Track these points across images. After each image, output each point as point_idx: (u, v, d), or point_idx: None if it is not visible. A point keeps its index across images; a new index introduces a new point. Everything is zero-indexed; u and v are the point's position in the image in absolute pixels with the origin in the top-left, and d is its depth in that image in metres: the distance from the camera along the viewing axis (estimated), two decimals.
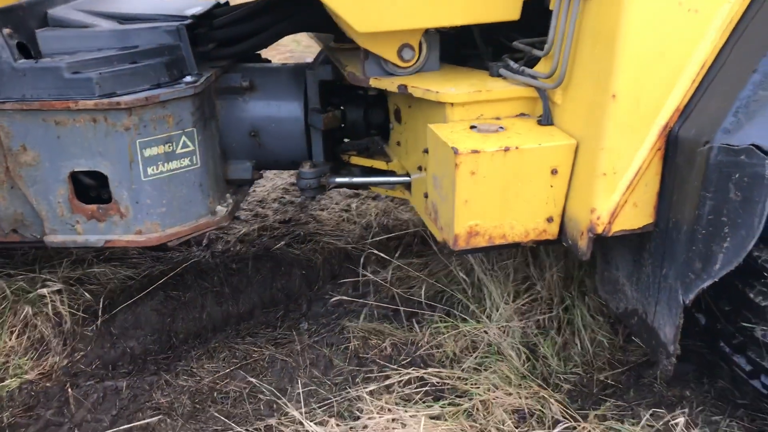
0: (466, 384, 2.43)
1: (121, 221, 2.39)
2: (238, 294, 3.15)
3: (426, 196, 2.18)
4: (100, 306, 2.87)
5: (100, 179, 2.40)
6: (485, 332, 2.68)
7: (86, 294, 2.92)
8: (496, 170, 1.91)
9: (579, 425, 2.19)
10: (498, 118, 2.12)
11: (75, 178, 2.36)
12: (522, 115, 2.15)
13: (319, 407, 2.41)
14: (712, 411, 2.34)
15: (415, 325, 2.76)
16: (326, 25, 2.74)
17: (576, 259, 2.61)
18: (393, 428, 2.23)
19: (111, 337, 2.86)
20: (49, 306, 2.77)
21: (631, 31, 1.75)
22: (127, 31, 2.45)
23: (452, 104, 2.09)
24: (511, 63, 2.19)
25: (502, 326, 2.69)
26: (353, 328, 2.80)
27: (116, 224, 2.40)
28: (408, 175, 2.70)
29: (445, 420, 2.26)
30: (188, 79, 2.42)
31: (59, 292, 2.79)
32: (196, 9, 2.67)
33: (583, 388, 2.55)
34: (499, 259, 2.84)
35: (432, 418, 2.27)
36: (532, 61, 2.19)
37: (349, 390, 2.46)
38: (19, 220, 2.43)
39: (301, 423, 2.30)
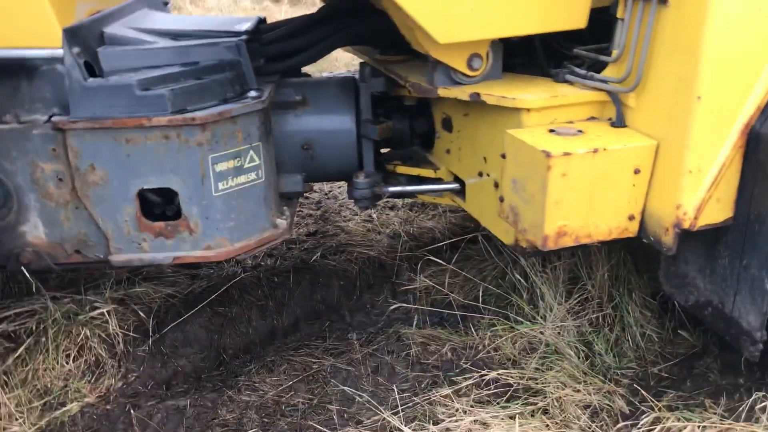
0: (536, 383, 2.48)
1: (190, 237, 2.38)
2: (281, 307, 3.16)
3: (501, 199, 2.23)
4: (150, 325, 2.84)
5: (167, 196, 2.38)
6: (541, 333, 2.74)
7: (134, 314, 2.88)
8: (585, 171, 1.99)
9: (663, 415, 2.27)
10: (571, 122, 2.20)
11: (142, 196, 2.34)
12: (592, 118, 2.23)
13: (393, 413, 2.43)
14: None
15: (472, 329, 2.81)
16: (373, 39, 2.80)
17: (652, 255, 2.71)
18: (476, 429, 2.27)
19: (162, 356, 2.84)
20: (101, 328, 2.73)
21: (713, 37, 1.85)
22: (188, 47, 2.45)
23: (528, 110, 2.16)
24: (577, 69, 2.27)
25: (558, 326, 2.76)
26: (409, 335, 2.84)
27: (185, 240, 2.39)
28: (457, 181, 2.76)
29: (526, 418, 2.32)
30: (253, 94, 2.43)
31: (109, 313, 2.74)
32: (246, 24, 2.68)
33: (641, 381, 2.64)
34: (548, 261, 2.92)
35: (511, 417, 2.32)
36: (595, 67, 2.28)
37: (420, 395, 2.50)
38: (82, 241, 2.40)
39: (383, 429, 2.32)
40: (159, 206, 2.42)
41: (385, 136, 2.71)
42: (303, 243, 3.70)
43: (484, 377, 2.49)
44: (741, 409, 2.24)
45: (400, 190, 2.78)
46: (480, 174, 2.52)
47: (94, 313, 2.76)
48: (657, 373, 2.68)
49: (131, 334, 2.80)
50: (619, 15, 2.16)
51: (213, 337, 2.96)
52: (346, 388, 2.58)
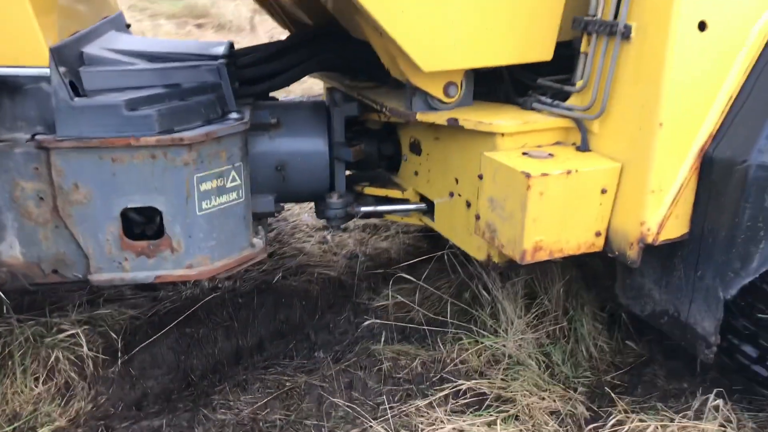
0: (506, 392, 2.62)
1: (171, 256, 2.41)
2: (246, 327, 3.19)
3: (477, 217, 2.38)
4: (119, 347, 2.82)
5: (147, 215, 2.41)
6: (504, 345, 2.89)
7: (101, 336, 2.85)
8: (559, 191, 2.16)
9: (626, 417, 2.45)
10: (540, 146, 2.38)
11: (123, 215, 2.35)
12: (558, 143, 2.42)
13: (376, 424, 2.51)
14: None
15: (439, 344, 2.93)
16: (344, 65, 2.93)
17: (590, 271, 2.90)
18: None
19: (131, 378, 2.82)
20: (70, 350, 2.69)
21: (673, 70, 2.07)
22: (169, 69, 2.50)
23: (503, 134, 2.33)
24: (543, 98, 2.46)
25: (518, 339, 2.92)
26: (379, 351, 2.93)
27: (166, 259, 2.41)
28: (424, 201, 2.90)
29: (501, 425, 2.45)
30: (235, 115, 2.50)
31: (79, 335, 2.71)
32: (220, 48, 2.75)
33: (596, 389, 2.82)
34: (507, 278, 3.08)
35: (488, 424, 2.45)
36: (558, 96, 2.47)
37: (397, 407, 2.59)
38: (61, 260, 2.38)
39: None
40: (139, 225, 2.44)
41: (358, 158, 2.82)
42: (262, 264, 3.73)
43: (458, 387, 2.61)
44: (696, 409, 2.44)
45: (371, 210, 2.89)
46: (451, 194, 2.66)
47: (62, 336, 2.71)
48: (610, 380, 2.87)
49: (100, 355, 2.76)
50: (582, 49, 2.36)
51: (180, 358, 2.96)
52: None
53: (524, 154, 2.30)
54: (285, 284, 3.46)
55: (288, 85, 2.88)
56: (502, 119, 2.35)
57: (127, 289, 3.31)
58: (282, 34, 10.86)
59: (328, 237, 4.08)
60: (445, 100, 2.46)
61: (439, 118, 2.44)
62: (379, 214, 2.96)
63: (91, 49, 2.53)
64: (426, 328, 3.00)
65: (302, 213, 4.38)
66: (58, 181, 2.26)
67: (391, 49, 2.29)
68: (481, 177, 2.34)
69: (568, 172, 2.16)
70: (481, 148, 2.39)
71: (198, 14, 12.11)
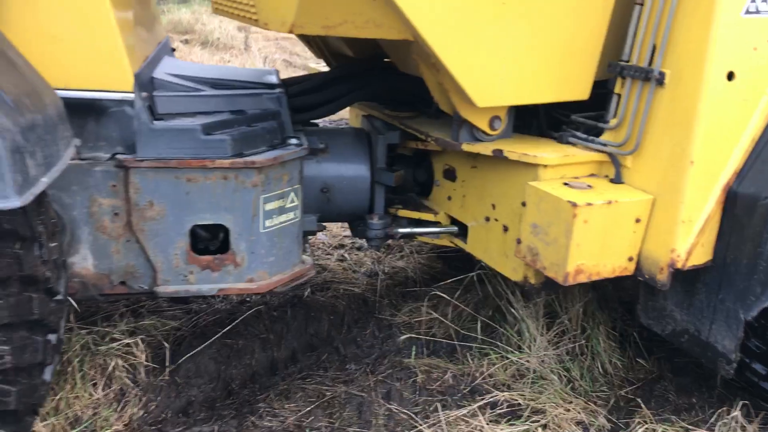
0: (537, 404, 2.83)
1: (234, 270, 2.57)
2: (279, 340, 3.34)
3: (519, 241, 2.59)
4: (167, 356, 2.95)
5: (213, 231, 2.57)
6: (527, 361, 3.11)
7: (149, 345, 2.98)
8: (600, 219, 2.39)
9: (651, 427, 2.67)
10: (576, 178, 2.61)
11: (192, 231, 2.51)
12: (592, 175, 2.65)
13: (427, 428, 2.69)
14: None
15: (468, 358, 3.13)
16: (386, 97, 3.14)
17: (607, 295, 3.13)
18: None
19: (177, 386, 2.95)
20: (124, 358, 2.82)
21: (705, 114, 2.33)
22: (235, 96, 2.68)
23: (545, 166, 2.55)
24: (578, 133, 2.70)
25: (541, 355, 3.13)
26: (412, 364, 3.11)
27: (229, 273, 2.57)
28: (455, 224, 3.11)
29: None
30: (294, 141, 2.68)
31: (135, 344, 2.84)
32: (272, 77, 2.93)
33: (613, 402, 3.04)
34: (529, 298, 3.29)
35: None
36: (592, 131, 2.71)
37: (436, 416, 2.77)
38: (129, 272, 2.52)
39: None
40: (203, 241, 2.60)
41: (399, 183, 3.02)
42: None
43: (494, 398, 2.80)
44: (710, 421, 2.68)
45: (408, 232, 3.09)
46: (487, 219, 2.87)
47: (116, 344, 2.84)
48: (624, 395, 3.09)
49: (150, 364, 2.90)
50: (616, 90, 2.60)
51: (221, 368, 3.10)
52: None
53: (565, 184, 2.52)
54: (314, 299, 3.63)
55: (333, 114, 3.07)
56: (544, 152, 2.58)
57: (163, 302, 3.44)
58: (278, 54, 10.95)
59: (346, 255, 4.26)
60: (490, 132, 2.68)
61: (485, 149, 2.66)
62: (415, 236, 3.15)
63: (158, 74, 2.69)
64: (457, 343, 3.20)
65: (318, 232, 4.54)
66: (135, 198, 2.41)
67: (447, 85, 2.51)
68: (524, 204, 2.56)
69: (609, 203, 2.39)
70: (523, 177, 2.61)
71: (183, 30, 12.22)
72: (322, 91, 3.01)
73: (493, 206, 2.83)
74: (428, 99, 3.08)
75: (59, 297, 2.04)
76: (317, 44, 3.49)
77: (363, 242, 4.46)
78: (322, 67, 3.90)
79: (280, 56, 11.35)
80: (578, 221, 2.35)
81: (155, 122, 2.40)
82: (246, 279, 2.60)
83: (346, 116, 4.10)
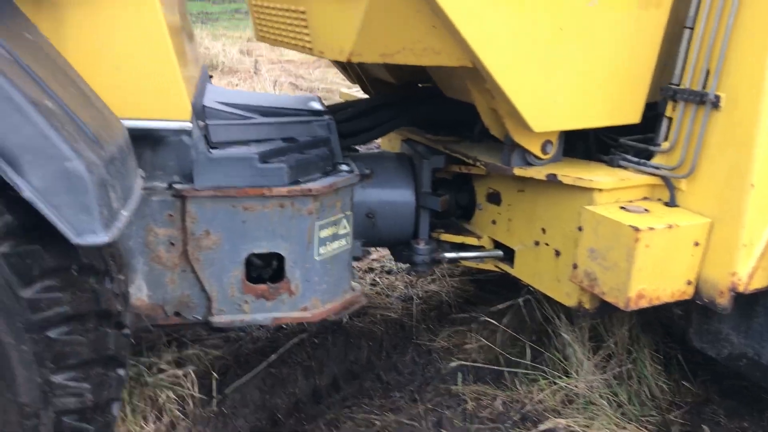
0: (591, 430, 2.81)
1: (289, 299, 2.56)
2: (321, 367, 3.32)
3: (575, 266, 2.59)
4: (214, 386, 2.93)
5: (267, 260, 2.56)
6: (576, 386, 3.08)
7: (194, 375, 2.95)
8: (661, 243, 2.38)
9: None
10: (630, 201, 2.61)
11: (247, 260, 2.50)
12: (645, 198, 2.65)
13: None
14: None
15: (516, 384, 3.11)
16: (429, 121, 3.15)
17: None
18: None
19: (224, 417, 2.92)
20: (171, 389, 2.79)
21: (764, 136, 2.33)
22: (285, 124, 2.68)
23: (601, 190, 2.55)
24: (629, 156, 2.70)
25: (589, 380, 3.11)
26: (460, 391, 3.09)
27: (284, 302, 2.56)
28: (498, 248, 3.11)
29: None
30: (345, 167, 2.68)
31: (185, 375, 2.82)
32: (316, 104, 2.94)
33: (662, 427, 3.02)
34: (575, 322, 3.28)
35: None
36: (640, 154, 2.72)
37: None
38: (184, 303, 2.50)
39: None
40: (257, 269, 2.58)
41: (444, 208, 3.01)
42: None
43: (549, 425, 2.78)
44: None
45: (454, 257, 3.08)
46: (536, 243, 2.87)
47: (164, 375, 2.82)
48: (673, 419, 3.07)
49: (197, 394, 2.87)
50: (667, 113, 2.61)
51: (265, 397, 3.08)
52: None
53: (622, 208, 2.52)
54: (352, 325, 3.61)
55: (376, 139, 3.08)
56: (599, 176, 2.58)
57: (202, 330, 3.41)
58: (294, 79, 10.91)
59: (378, 279, 4.25)
60: (542, 156, 2.68)
61: (537, 173, 2.66)
62: (461, 260, 3.15)
63: (208, 102, 2.69)
64: (505, 369, 3.18)
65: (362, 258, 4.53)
66: (191, 227, 2.40)
67: (501, 110, 2.51)
68: (580, 229, 2.56)
69: (669, 227, 2.39)
70: (577, 201, 2.61)
71: None
72: (366, 117, 3.02)
73: (543, 230, 2.82)
74: (470, 123, 3.10)
75: (126, 330, 2.02)
76: (353, 70, 3.50)
77: (393, 266, 4.45)
78: (354, 92, 3.91)
79: (287, 79, 11.39)
80: (640, 246, 2.35)
81: (213, 151, 2.40)
82: (300, 308, 2.58)
83: (378, 140, 4.12)
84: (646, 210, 2.52)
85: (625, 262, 2.39)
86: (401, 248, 3.16)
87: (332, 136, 2.74)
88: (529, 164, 2.71)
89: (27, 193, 1.48)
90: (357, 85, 3.74)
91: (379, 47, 2.31)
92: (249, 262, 2.53)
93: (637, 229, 2.34)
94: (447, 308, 3.93)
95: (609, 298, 2.48)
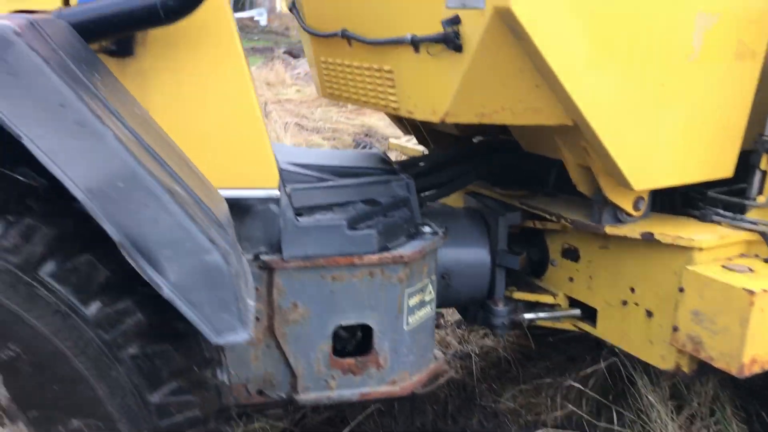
0: None
1: (377, 373, 2.43)
2: None
3: (675, 329, 2.48)
4: None
5: (352, 331, 2.44)
6: None
7: None
8: None
9: None
10: (729, 259, 2.51)
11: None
12: (743, 255, 2.56)
13: None
14: None
15: None
16: (503, 176, 3.06)
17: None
18: None
19: None
20: None
21: None
22: (364, 185, 2.58)
23: (701, 249, 2.46)
24: (723, 211, 2.62)
25: None
26: None
27: (371, 376, 2.43)
28: (575, 306, 3.00)
29: None
30: (428, 229, 2.58)
31: None
32: (384, 160, 2.85)
33: None
34: (656, 381, 3.17)
35: None
36: (733, 208, 2.63)
37: None
38: (268, 380, 2.37)
39: None
40: (341, 342, 2.46)
41: (523, 266, 2.91)
42: None
43: None
44: None
45: (534, 317, 2.96)
46: (624, 302, 2.76)
47: None
48: None
49: None
50: (762, 166, 2.54)
51: None
52: None
53: (725, 268, 2.42)
54: None
55: (447, 196, 3.00)
56: (698, 234, 2.49)
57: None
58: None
59: None
60: (634, 213, 2.59)
61: (631, 231, 2.57)
62: (537, 321, 3.03)
63: (282, 165, 2.59)
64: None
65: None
66: (278, 300, 2.28)
67: (596, 167, 2.43)
68: (681, 290, 2.45)
69: None
70: (674, 261, 2.51)
71: None
72: (439, 173, 2.92)
73: (632, 289, 2.72)
74: (544, 178, 3.02)
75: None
76: (410, 121, 3.42)
77: (439, 321, 4.33)
78: (404, 142, 3.83)
79: (292, 119, 11.35)
80: (755, 309, 2.25)
81: (300, 219, 2.29)
82: (388, 381, 2.45)
83: None
84: (750, 269, 2.43)
85: (738, 326, 2.29)
86: (473, 309, 3.04)
87: (411, 197, 2.63)
88: (620, 221, 2.62)
89: (167, 291, 1.36)
90: (401, 134, 3.67)
91: (476, 108, 2.23)
92: (335, 335, 2.41)
93: (751, 293, 2.24)
94: (506, 365, 3.81)
95: (719, 364, 2.37)
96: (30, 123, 1.25)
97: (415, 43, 2.22)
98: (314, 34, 2.75)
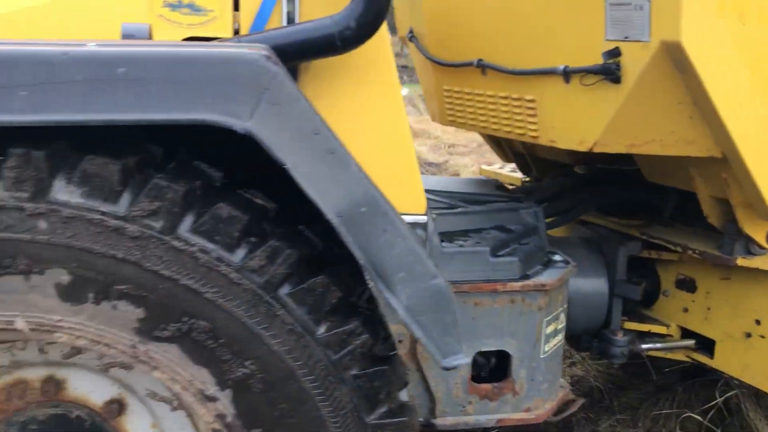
0: None
1: (512, 399, 2.46)
2: None
3: None
4: None
5: (488, 357, 2.47)
6: None
7: None
8: None
9: None
10: None
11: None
12: None
13: None
14: None
15: None
16: (618, 205, 3.11)
17: None
18: None
19: None
20: None
21: None
22: (494, 212, 2.63)
23: None
24: None
25: None
26: None
27: (507, 402, 2.46)
28: (687, 337, 3.02)
29: None
30: (558, 257, 2.62)
31: None
32: (500, 187, 2.91)
33: None
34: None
35: None
36: None
37: None
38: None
39: None
40: (477, 367, 2.49)
41: (642, 296, 2.94)
42: None
43: None
44: None
45: (651, 347, 2.98)
46: (747, 335, 2.78)
47: None
48: None
49: None
50: None
51: None
52: None
53: None
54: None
55: (566, 223, 3.04)
56: None
57: None
58: None
59: None
60: (765, 245, 2.62)
61: (764, 263, 2.60)
62: (647, 350, 3.05)
63: None
64: None
65: None
66: None
67: (735, 198, 2.47)
68: None
69: None
70: None
71: None
72: (562, 200, 2.98)
73: (758, 322, 2.74)
74: (660, 207, 3.05)
75: None
76: (512, 148, 3.48)
77: None
78: (496, 168, 3.88)
79: None
80: None
81: (445, 245, 2.35)
82: (523, 408, 2.48)
83: None
84: None
85: None
86: (586, 338, 3.07)
87: (540, 224, 2.69)
88: (751, 253, 2.65)
89: (401, 311, 1.41)
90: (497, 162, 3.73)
91: (627, 138, 2.28)
92: (473, 361, 2.45)
93: None
94: (599, 394, 3.81)
95: None
96: (290, 150, 1.32)
97: (567, 74, 2.28)
98: (443, 64, 2.82)
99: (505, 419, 2.48)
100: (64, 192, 1.30)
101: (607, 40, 2.18)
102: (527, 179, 3.64)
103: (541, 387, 2.51)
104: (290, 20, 2.14)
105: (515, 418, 2.49)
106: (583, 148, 2.35)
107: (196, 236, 1.36)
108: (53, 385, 1.68)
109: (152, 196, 1.33)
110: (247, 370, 1.43)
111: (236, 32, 2.12)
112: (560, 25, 2.34)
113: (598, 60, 2.21)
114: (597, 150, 2.34)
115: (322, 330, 1.46)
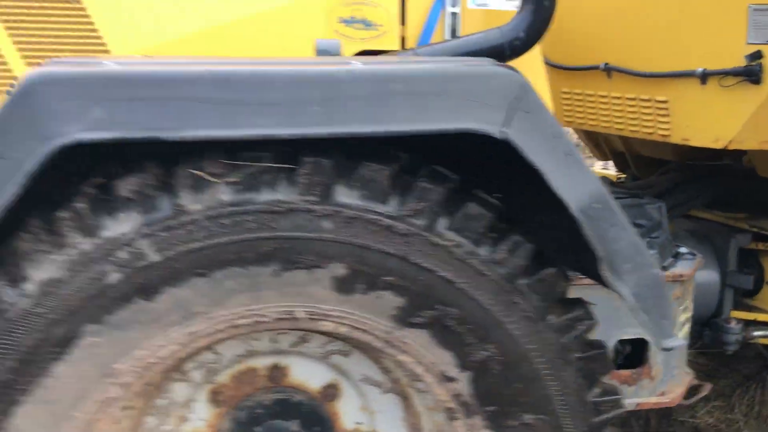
0: None
1: (649, 384, 2.62)
2: None
3: None
4: None
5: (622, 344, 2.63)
6: None
7: None
8: None
9: None
10: None
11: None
12: None
13: None
14: None
15: None
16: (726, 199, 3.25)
17: None
18: None
19: None
20: None
21: None
22: (625, 209, 2.78)
23: None
24: None
25: None
26: None
27: (644, 387, 2.63)
28: None
29: None
30: (684, 250, 2.77)
31: None
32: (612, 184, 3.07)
33: None
34: None
35: None
36: None
37: None
38: None
39: None
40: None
41: (753, 285, 3.09)
42: None
43: None
44: None
45: (763, 334, 3.13)
46: None
47: None
48: None
49: None
50: None
51: None
52: None
53: None
54: None
55: (676, 218, 3.19)
56: None
57: None
58: None
59: None
60: None
61: None
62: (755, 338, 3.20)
63: None
64: None
65: None
66: None
67: None
68: None
69: None
70: None
71: None
72: (669, 197, 3.13)
73: None
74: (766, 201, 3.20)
75: None
76: (609, 145, 3.62)
77: None
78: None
79: None
80: None
81: None
82: (657, 392, 2.64)
83: None
84: None
85: None
86: (697, 328, 3.22)
87: (663, 219, 2.84)
88: None
89: (630, 299, 1.58)
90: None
91: (762, 136, 2.44)
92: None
93: None
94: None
95: None
96: (539, 153, 1.48)
97: (705, 76, 2.44)
98: (565, 68, 2.98)
99: (643, 403, 2.64)
100: (345, 195, 1.47)
101: (749, 43, 2.34)
102: (623, 176, 3.79)
103: (673, 372, 2.67)
104: (454, 33, 2.31)
105: (651, 401, 2.65)
106: (718, 146, 2.50)
107: (452, 232, 1.53)
108: (278, 372, 1.86)
109: (418, 197, 1.50)
110: (487, 353, 1.59)
111: (402, 45, 2.29)
112: (697, 30, 2.49)
113: (734, 62, 2.36)
114: (732, 147, 2.49)
115: (552, 316, 1.63)
